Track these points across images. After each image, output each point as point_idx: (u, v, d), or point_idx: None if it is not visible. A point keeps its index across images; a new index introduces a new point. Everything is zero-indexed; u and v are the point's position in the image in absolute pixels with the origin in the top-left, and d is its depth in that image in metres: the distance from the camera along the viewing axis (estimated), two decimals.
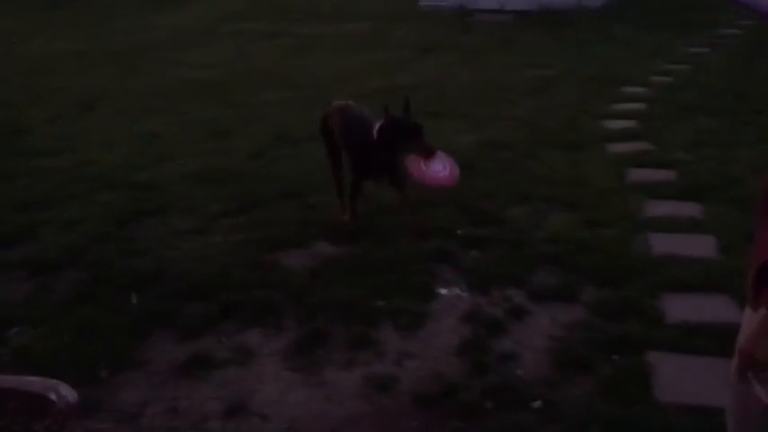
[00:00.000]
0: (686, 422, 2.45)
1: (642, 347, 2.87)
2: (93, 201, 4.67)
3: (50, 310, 3.35)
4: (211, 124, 6.31)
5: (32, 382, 1.54)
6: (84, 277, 3.67)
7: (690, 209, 4.14)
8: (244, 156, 5.49)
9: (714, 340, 2.83)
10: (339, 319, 3.21)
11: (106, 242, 4.07)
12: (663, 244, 3.72)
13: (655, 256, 3.63)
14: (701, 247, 3.67)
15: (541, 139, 5.56)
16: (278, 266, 3.77)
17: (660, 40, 9.06)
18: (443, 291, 3.47)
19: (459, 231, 4.05)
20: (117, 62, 8.86)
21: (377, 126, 3.84)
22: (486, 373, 2.83)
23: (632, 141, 5.44)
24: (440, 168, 3.65)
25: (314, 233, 4.11)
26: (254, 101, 6.99)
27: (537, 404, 2.62)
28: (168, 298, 3.41)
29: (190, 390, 2.80)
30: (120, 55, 9.25)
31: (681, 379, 2.67)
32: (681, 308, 3.12)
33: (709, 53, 8.53)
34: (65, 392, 1.49)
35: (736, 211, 3.99)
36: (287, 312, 3.29)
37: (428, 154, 3.66)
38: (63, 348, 3.04)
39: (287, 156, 5.46)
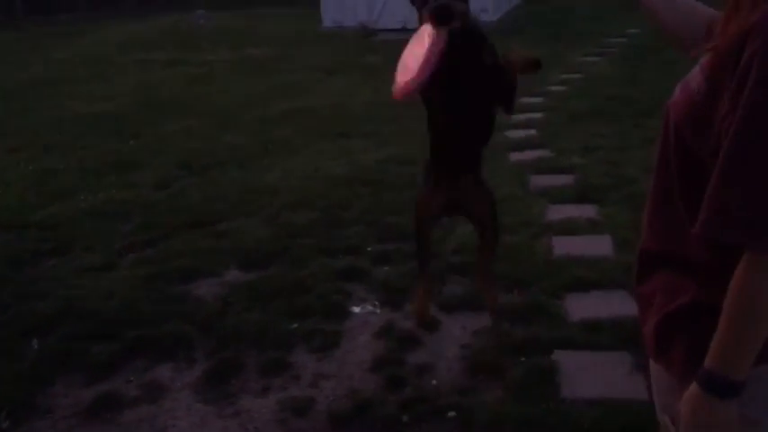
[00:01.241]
0: (591, 414, 2.55)
1: (548, 347, 2.97)
2: None
3: None
4: (113, 157, 6.14)
5: None
6: None
7: (587, 211, 4.33)
8: (148, 187, 5.37)
9: (614, 334, 2.97)
10: (252, 346, 3.18)
11: (2, 287, 3.87)
12: (563, 246, 3.87)
13: (556, 259, 3.77)
14: (599, 246, 3.84)
15: None
16: (188, 298, 3.70)
17: (554, 51, 9.46)
18: (356, 308, 3.49)
19: (369, 248, 4.09)
20: (9, 99, 8.51)
21: None
22: (402, 387, 2.86)
23: (533, 149, 5.65)
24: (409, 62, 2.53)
25: (224, 260, 4.06)
26: (156, 131, 6.86)
27: (452, 414, 2.67)
28: (72, 339, 3.29)
29: None
30: (13, 91, 8.89)
31: (585, 374, 2.78)
32: (582, 306, 3.26)
33: (600, 61, 8.97)
34: None
35: (630, 210, 4.20)
36: (198, 344, 3.23)
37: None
38: None
39: (193, 184, 5.38)
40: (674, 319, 1.22)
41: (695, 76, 1.18)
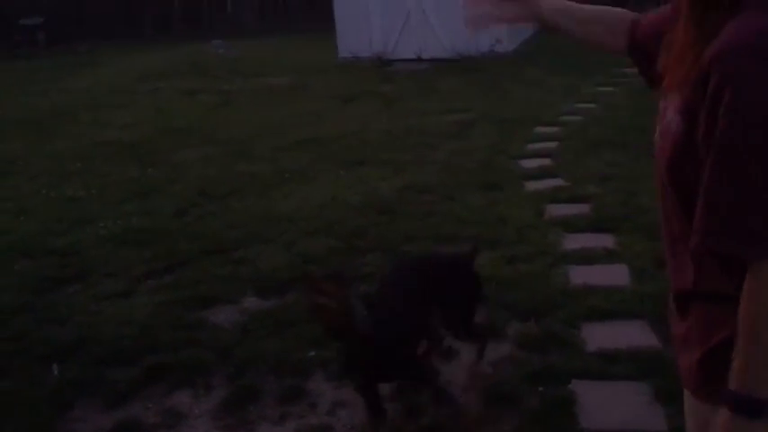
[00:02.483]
0: None
1: (566, 377, 2.96)
2: (8, 270, 4.52)
3: None
4: (133, 185, 6.23)
5: None
6: (1, 351, 3.53)
7: (604, 240, 4.33)
8: (167, 215, 5.43)
9: (632, 365, 2.95)
10: (270, 373, 3.19)
11: (24, 313, 3.93)
12: (580, 275, 3.86)
13: (573, 288, 3.77)
14: (616, 276, 3.83)
15: (462, 181, 5.73)
16: (206, 325, 3.73)
17: (569, 82, 9.53)
18: None
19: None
20: (32, 127, 8.67)
21: None
22: (421, 416, 2.85)
23: (548, 178, 5.67)
24: None
25: (241, 288, 4.09)
26: (175, 159, 6.96)
27: None
28: (91, 366, 3.32)
29: None
30: (35, 120, 9.06)
31: (603, 405, 2.77)
32: (600, 336, 3.25)
33: (614, 92, 9.02)
34: None
35: (647, 239, 4.19)
36: (216, 371, 3.25)
37: None
38: None
39: (211, 212, 5.44)
40: (717, 354, 1.21)
41: (673, 119, 1.19)
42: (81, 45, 16.14)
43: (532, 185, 5.55)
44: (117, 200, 5.86)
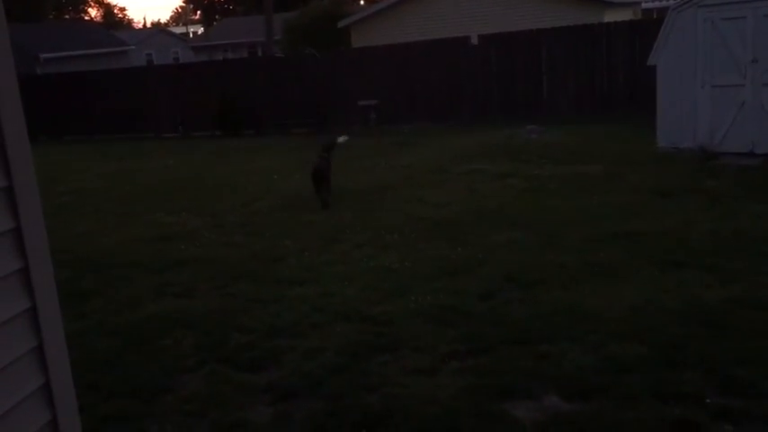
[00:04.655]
0: None
1: None
2: (332, 332, 4.96)
3: None
4: (443, 262, 6.50)
5: None
6: (319, 408, 3.85)
7: None
8: (473, 296, 5.54)
9: None
10: None
11: (341, 374, 4.26)
12: None
13: None
14: None
15: None
16: (505, 418, 3.67)
17: None
18: None
19: (707, 400, 3.66)
20: (359, 199, 9.61)
21: None
22: None
23: None
24: None
25: (544, 385, 3.97)
26: (484, 241, 7.12)
27: None
28: None
29: None
30: (363, 192, 10.03)
31: None
32: None
33: None
34: None
35: None
36: None
37: None
38: None
39: (516, 299, 5.42)
40: None
41: None
42: (405, 126, 17.67)
43: None
44: (428, 275, 6.15)
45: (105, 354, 4.89)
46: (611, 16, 19.65)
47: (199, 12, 72.99)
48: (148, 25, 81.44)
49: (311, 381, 4.20)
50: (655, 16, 23.24)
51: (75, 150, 18.50)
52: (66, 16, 65.10)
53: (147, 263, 7.09)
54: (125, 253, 7.61)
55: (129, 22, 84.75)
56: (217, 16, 65.08)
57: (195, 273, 6.67)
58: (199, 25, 72.47)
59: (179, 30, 67.39)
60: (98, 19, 72.19)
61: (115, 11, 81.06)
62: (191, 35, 61.70)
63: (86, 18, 69.79)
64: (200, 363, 4.64)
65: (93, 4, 74.86)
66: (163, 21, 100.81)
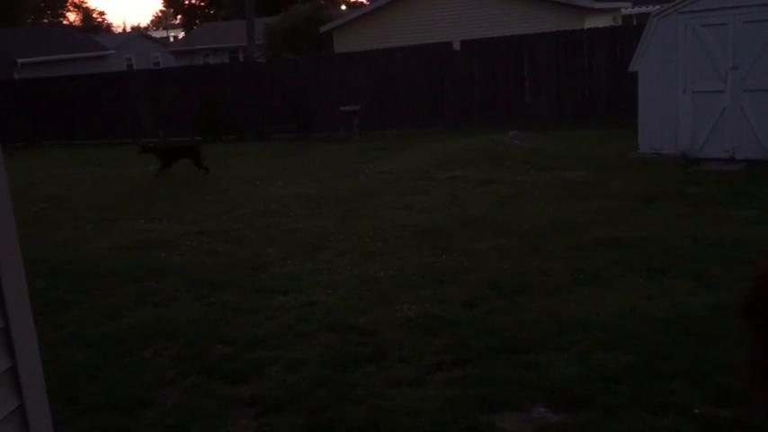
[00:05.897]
0: None
1: None
2: (316, 342, 4.89)
3: None
4: (427, 270, 6.45)
5: None
6: (304, 422, 3.78)
7: None
8: (458, 305, 5.50)
9: None
10: None
11: (326, 386, 4.19)
12: None
13: None
14: None
15: None
16: (494, 430, 3.62)
17: None
18: None
19: (696, 410, 3.64)
20: (342, 206, 9.53)
21: None
22: None
23: None
24: None
25: (531, 395, 3.93)
26: (468, 248, 7.08)
27: None
28: None
29: None
30: (346, 199, 9.96)
31: None
32: None
33: None
34: None
35: None
36: None
37: None
38: None
39: (501, 308, 5.38)
40: None
41: None
42: (388, 131, 17.64)
43: None
44: (412, 284, 6.10)
45: (83, 366, 4.78)
46: (591, 22, 19.77)
47: (179, 16, 72.67)
48: (128, 29, 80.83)
49: (295, 393, 4.12)
50: (634, 22, 23.45)
51: (54, 156, 18.26)
52: (45, 20, 64.51)
53: (126, 271, 6.97)
54: (104, 261, 7.48)
55: (109, 26, 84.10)
56: (197, 21, 64.79)
57: (176, 281, 6.56)
58: (179, 30, 72.17)
59: (159, 34, 66.97)
60: (77, 23, 71.56)
61: (94, 15, 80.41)
62: (171, 39, 61.32)
63: (65, 22, 69.19)
64: (181, 375, 4.55)
65: (71, 8, 74.27)
66: (143, 25, 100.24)
